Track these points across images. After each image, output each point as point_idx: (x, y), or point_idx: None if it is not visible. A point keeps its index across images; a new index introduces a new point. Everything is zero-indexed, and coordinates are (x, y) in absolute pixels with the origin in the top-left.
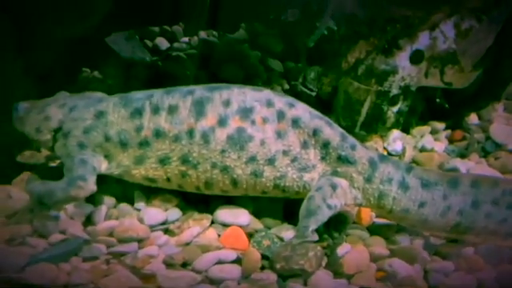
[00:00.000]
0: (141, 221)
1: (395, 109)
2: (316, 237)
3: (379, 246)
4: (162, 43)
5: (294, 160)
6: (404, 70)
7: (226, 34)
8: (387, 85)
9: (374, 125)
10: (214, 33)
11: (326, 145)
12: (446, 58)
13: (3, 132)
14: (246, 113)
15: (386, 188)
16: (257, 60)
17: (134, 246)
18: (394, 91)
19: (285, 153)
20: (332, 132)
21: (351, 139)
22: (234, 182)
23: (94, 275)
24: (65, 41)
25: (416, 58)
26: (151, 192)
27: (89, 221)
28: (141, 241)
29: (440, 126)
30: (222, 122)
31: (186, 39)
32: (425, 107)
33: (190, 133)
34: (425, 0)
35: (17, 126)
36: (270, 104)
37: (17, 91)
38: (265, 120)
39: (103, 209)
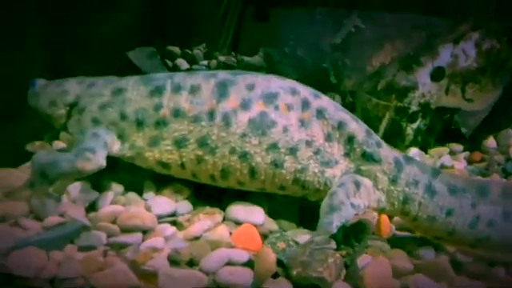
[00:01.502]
0: (148, 209)
1: (414, 126)
2: (332, 244)
3: (401, 259)
4: (182, 64)
5: (316, 152)
6: (424, 86)
7: (243, 59)
8: (407, 101)
9: (393, 142)
10: (233, 59)
11: (350, 139)
12: (467, 76)
13: (16, 122)
14: (269, 98)
15: (412, 191)
16: None
17: (138, 237)
18: (414, 108)
19: (308, 143)
20: (357, 127)
21: (376, 137)
22: (252, 172)
23: (87, 268)
24: (93, 49)
25: (437, 74)
26: (161, 182)
27: (92, 208)
28: (146, 232)
29: (458, 147)
30: (244, 105)
31: (205, 62)
32: (442, 128)
33: (211, 114)
34: (451, 10)
35: (30, 102)
36: (294, 92)
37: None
38: (289, 107)
39: (109, 195)
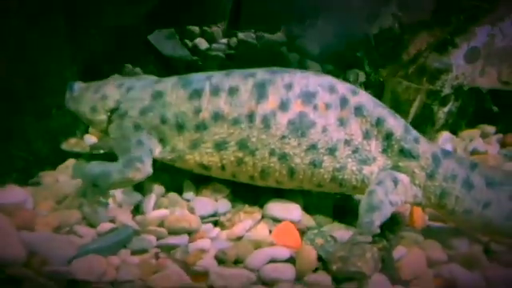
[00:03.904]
0: (191, 211)
1: (445, 109)
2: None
3: (435, 250)
4: (202, 43)
5: (355, 151)
6: (458, 68)
7: (263, 36)
8: (439, 84)
9: (423, 126)
10: (252, 35)
11: (388, 136)
12: (504, 57)
13: (49, 119)
14: (308, 97)
15: (449, 186)
16: (296, 62)
17: (185, 238)
18: (446, 91)
19: (346, 142)
20: (396, 123)
21: (414, 132)
22: (291, 172)
23: (144, 271)
24: (114, 30)
25: (472, 55)
26: (201, 182)
27: (137, 210)
28: (191, 233)
29: (490, 129)
30: (283, 106)
31: (224, 40)
32: (474, 110)
33: (250, 116)
34: None
35: (70, 106)
36: (332, 90)
37: (61, 81)
38: (327, 106)
39: (153, 197)
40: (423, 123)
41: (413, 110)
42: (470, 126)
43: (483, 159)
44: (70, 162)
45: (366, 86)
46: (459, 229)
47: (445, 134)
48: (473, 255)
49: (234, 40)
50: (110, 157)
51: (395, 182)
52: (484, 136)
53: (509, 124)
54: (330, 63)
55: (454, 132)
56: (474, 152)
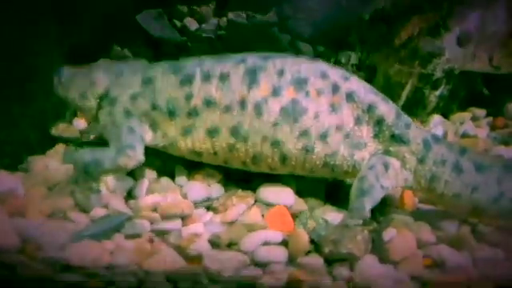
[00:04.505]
0: (184, 196)
1: (437, 93)
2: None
3: (425, 232)
4: (191, 24)
5: (346, 136)
6: (450, 52)
7: (255, 16)
8: (431, 67)
9: (415, 109)
10: (243, 15)
11: (379, 122)
12: (496, 41)
13: (37, 103)
14: (300, 84)
15: (439, 170)
16: (287, 43)
17: (178, 223)
18: (438, 74)
19: (338, 128)
20: (387, 109)
21: (406, 117)
22: (284, 158)
23: (139, 255)
24: (101, 11)
25: (464, 39)
26: (193, 167)
27: (130, 195)
28: (184, 218)
29: (480, 112)
30: (275, 93)
31: (215, 21)
32: (466, 93)
33: (242, 103)
34: None
35: (58, 92)
36: (324, 76)
37: (48, 63)
38: (319, 92)
39: (145, 183)
40: (415, 106)
41: (404, 93)
42: (460, 109)
43: (473, 142)
44: (60, 147)
45: (358, 68)
46: (448, 211)
47: (436, 117)
48: (461, 236)
49: (224, 20)
50: (101, 142)
51: (386, 166)
52: (474, 119)
53: (499, 107)
54: (322, 44)
55: (445, 115)
56: (464, 135)
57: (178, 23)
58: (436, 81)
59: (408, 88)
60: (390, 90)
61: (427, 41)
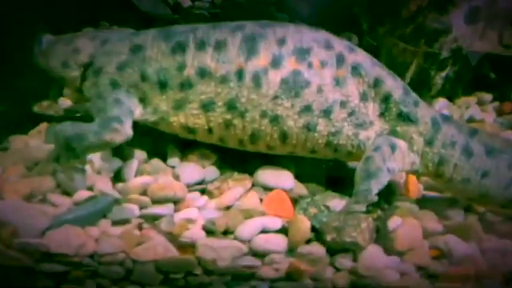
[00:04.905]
0: (176, 178)
1: (443, 74)
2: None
3: (431, 220)
4: (185, 1)
5: (351, 114)
6: (458, 29)
7: None
8: (437, 46)
9: (419, 91)
10: None
11: (386, 98)
12: (507, 18)
13: (18, 78)
14: (302, 54)
15: (448, 153)
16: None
17: (170, 207)
18: (445, 54)
19: (342, 104)
20: (395, 84)
21: (414, 95)
22: (284, 136)
23: (126, 243)
24: None
25: (472, 16)
26: (186, 147)
27: (117, 177)
28: (177, 202)
29: (487, 97)
30: (275, 63)
31: None
32: (471, 76)
33: (239, 74)
34: None
35: (39, 61)
36: (328, 46)
37: (33, 36)
38: (323, 63)
39: (134, 163)
40: (419, 88)
41: (409, 74)
42: (466, 93)
43: (480, 127)
44: (43, 126)
45: None
46: (455, 198)
47: (441, 101)
48: (468, 226)
49: None
50: (87, 121)
51: (393, 147)
52: (481, 104)
53: (506, 92)
54: (321, 24)
55: (450, 99)
56: (470, 120)
57: (170, 0)
58: (443, 61)
59: (413, 68)
60: (393, 71)
61: (433, 17)
